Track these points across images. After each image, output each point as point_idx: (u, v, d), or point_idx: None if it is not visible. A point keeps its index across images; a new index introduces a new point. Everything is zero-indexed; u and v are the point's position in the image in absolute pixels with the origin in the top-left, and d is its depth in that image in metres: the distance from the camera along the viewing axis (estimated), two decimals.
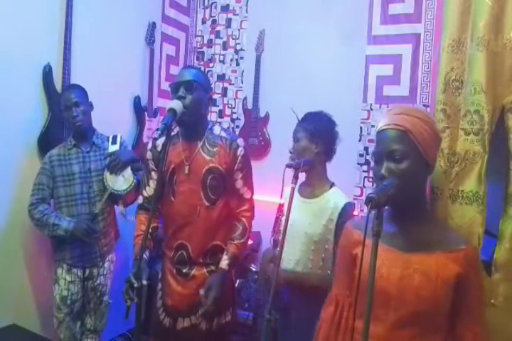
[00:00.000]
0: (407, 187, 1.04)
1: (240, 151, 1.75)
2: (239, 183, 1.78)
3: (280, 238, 1.55)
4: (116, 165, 2.11)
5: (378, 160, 1.11)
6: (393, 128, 1.09)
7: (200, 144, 1.74)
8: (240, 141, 1.78)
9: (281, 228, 1.75)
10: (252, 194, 1.85)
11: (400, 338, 1.02)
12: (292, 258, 1.76)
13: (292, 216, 1.61)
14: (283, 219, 1.70)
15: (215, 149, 1.73)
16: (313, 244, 1.72)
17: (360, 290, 1.01)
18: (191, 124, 1.70)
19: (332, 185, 1.81)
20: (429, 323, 1.04)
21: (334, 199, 1.77)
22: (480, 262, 1.11)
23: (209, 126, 1.78)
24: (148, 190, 1.83)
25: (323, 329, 1.22)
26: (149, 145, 1.84)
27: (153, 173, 1.82)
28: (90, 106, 2.20)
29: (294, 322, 1.69)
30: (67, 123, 2.19)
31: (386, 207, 1.16)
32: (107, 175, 2.13)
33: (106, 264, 2.24)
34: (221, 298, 1.66)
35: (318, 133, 1.76)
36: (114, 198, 2.21)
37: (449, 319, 1.07)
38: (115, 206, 2.29)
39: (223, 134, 1.78)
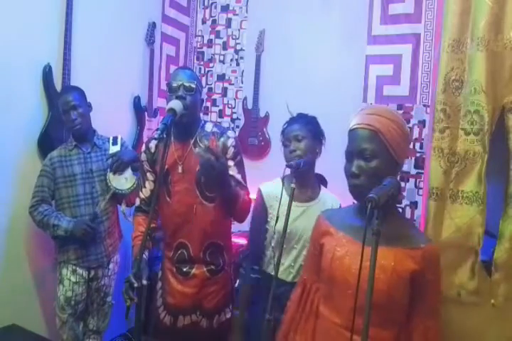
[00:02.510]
0: (375, 184, 1.06)
1: (231, 142, 1.74)
2: (233, 170, 1.74)
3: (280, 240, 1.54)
4: (119, 166, 2.12)
5: (349, 158, 1.16)
6: (364, 127, 1.14)
7: (192, 142, 1.74)
8: (231, 133, 1.78)
9: (276, 231, 1.76)
10: (246, 183, 1.81)
11: (357, 325, 1.05)
12: (295, 264, 1.76)
13: (288, 223, 1.60)
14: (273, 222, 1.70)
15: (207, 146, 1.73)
16: None
17: (328, 278, 1.14)
18: (186, 125, 1.70)
19: (319, 184, 1.85)
20: (385, 314, 1.09)
21: (330, 200, 1.81)
22: (439, 262, 1.15)
23: (201, 124, 1.78)
24: (145, 192, 1.84)
25: (291, 309, 1.30)
26: (143, 147, 1.84)
27: (148, 175, 1.83)
28: (89, 106, 2.19)
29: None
30: (66, 126, 2.19)
31: (354, 202, 1.23)
32: (110, 175, 2.14)
33: (111, 265, 2.24)
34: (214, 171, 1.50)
35: (317, 133, 1.80)
36: (118, 198, 2.22)
37: (406, 312, 1.12)
38: (118, 206, 2.29)
39: (214, 129, 1.78)
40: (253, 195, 1.88)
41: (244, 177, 1.80)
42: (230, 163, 1.74)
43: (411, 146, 2.60)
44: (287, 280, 1.76)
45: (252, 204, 1.86)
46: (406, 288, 1.09)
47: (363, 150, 1.12)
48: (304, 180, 1.79)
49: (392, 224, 1.14)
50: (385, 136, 1.11)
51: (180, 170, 1.73)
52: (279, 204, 1.59)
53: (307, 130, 1.76)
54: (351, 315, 0.99)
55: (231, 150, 1.74)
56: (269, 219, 1.83)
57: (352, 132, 1.17)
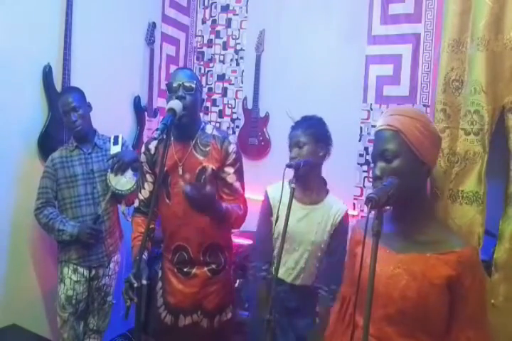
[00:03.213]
0: (401, 186, 1.04)
1: (232, 148, 1.73)
2: (231, 178, 1.74)
3: (279, 243, 1.54)
4: (120, 167, 2.12)
5: (374, 160, 1.14)
6: (385, 128, 1.12)
7: (192, 144, 1.73)
8: (232, 138, 1.77)
9: (276, 231, 1.76)
10: (244, 191, 1.81)
11: (387, 335, 1.02)
12: (296, 266, 1.76)
13: (290, 225, 1.60)
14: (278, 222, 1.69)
15: (207, 149, 1.72)
16: (320, 250, 1.73)
17: (360, 288, 1.03)
18: (186, 125, 1.70)
19: (327, 189, 1.83)
20: (418, 323, 1.04)
21: (335, 205, 1.79)
22: (480, 265, 1.09)
23: (201, 126, 1.78)
24: (144, 193, 1.83)
25: (331, 322, 1.28)
26: (143, 148, 1.84)
27: (147, 176, 1.82)
28: (89, 107, 2.19)
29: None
30: (67, 127, 2.20)
31: (388, 208, 1.17)
32: (111, 175, 2.14)
33: (111, 265, 2.25)
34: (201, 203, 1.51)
35: (320, 136, 1.77)
36: (118, 198, 2.22)
37: (444, 322, 1.06)
38: (118, 206, 2.30)
39: (215, 133, 1.77)
40: (253, 196, 1.88)
41: (242, 184, 1.79)
42: (230, 169, 1.74)
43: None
44: (287, 280, 1.77)
45: (258, 206, 1.87)
46: (441, 295, 1.04)
47: (384, 151, 1.09)
48: (308, 183, 1.78)
49: (424, 229, 1.12)
50: (406, 135, 1.08)
51: (180, 171, 1.72)
52: (279, 203, 1.59)
53: (309, 135, 1.74)
54: (382, 324, 0.96)
55: (232, 157, 1.73)
56: (272, 219, 1.82)
57: (376, 134, 1.15)
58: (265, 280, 1.78)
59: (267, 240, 1.82)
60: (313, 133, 1.75)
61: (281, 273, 1.73)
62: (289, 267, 1.77)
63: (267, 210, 1.85)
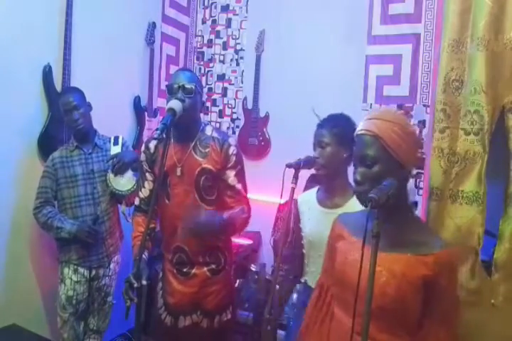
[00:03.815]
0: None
1: (232, 150, 1.74)
2: (233, 181, 1.75)
3: (281, 241, 1.53)
4: (120, 167, 2.13)
5: (354, 164, 1.16)
6: (364, 133, 1.13)
7: (191, 145, 1.73)
8: (232, 140, 1.77)
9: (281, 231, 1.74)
10: (246, 192, 1.82)
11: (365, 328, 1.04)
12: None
13: (312, 228, 1.58)
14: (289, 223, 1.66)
15: (206, 150, 1.73)
16: None
17: (340, 281, 1.14)
18: (186, 126, 1.70)
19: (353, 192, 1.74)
20: (396, 320, 1.08)
21: (358, 208, 1.68)
22: (457, 268, 1.13)
23: (201, 127, 1.78)
24: (144, 192, 1.83)
25: (308, 311, 1.33)
26: (143, 147, 1.84)
27: (147, 175, 1.82)
28: (89, 106, 2.19)
29: None
30: (68, 126, 2.19)
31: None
32: (111, 176, 2.15)
33: (112, 265, 2.25)
34: (201, 232, 1.62)
35: (346, 136, 1.63)
36: (118, 198, 2.22)
37: (420, 318, 1.09)
38: (119, 206, 2.30)
39: (215, 134, 1.76)
40: (253, 196, 1.87)
41: (245, 186, 1.79)
42: (232, 172, 1.74)
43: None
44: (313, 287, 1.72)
45: (258, 206, 1.85)
46: (417, 294, 1.07)
47: (364, 156, 1.11)
48: (330, 186, 1.71)
49: (406, 230, 1.14)
50: (385, 140, 1.09)
51: (178, 172, 1.72)
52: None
53: (332, 135, 1.66)
54: (362, 319, 0.98)
55: (232, 159, 1.73)
56: (300, 226, 1.76)
57: (356, 138, 1.16)
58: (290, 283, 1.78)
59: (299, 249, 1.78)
60: (338, 133, 1.66)
61: (311, 281, 1.68)
62: (316, 274, 1.63)
63: (296, 218, 1.80)
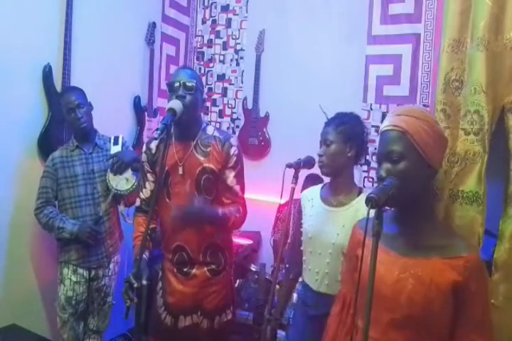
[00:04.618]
0: (406, 188, 1.03)
1: (234, 151, 1.74)
2: (232, 181, 1.75)
3: (281, 241, 1.54)
4: (119, 167, 2.12)
5: (379, 161, 1.11)
6: (391, 129, 1.10)
7: (193, 145, 1.73)
8: (233, 140, 1.77)
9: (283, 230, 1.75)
10: (243, 193, 1.82)
11: (393, 340, 1.01)
12: (320, 271, 1.64)
13: (314, 226, 1.57)
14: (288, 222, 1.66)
15: (208, 149, 1.73)
16: (342, 255, 1.58)
17: (360, 290, 1.02)
18: (187, 125, 1.70)
19: (360, 191, 1.68)
20: (424, 328, 1.03)
21: (363, 208, 1.61)
22: (485, 270, 1.07)
23: (202, 127, 1.78)
24: (145, 192, 1.83)
25: (331, 324, 1.26)
26: (144, 148, 1.84)
27: (148, 175, 1.82)
28: (90, 106, 2.19)
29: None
30: (71, 125, 2.18)
31: (390, 208, 1.16)
32: (110, 175, 2.14)
33: (111, 265, 2.25)
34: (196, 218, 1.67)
35: (352, 135, 1.63)
36: (117, 198, 2.22)
37: (448, 327, 1.05)
38: (118, 206, 2.30)
39: (216, 134, 1.76)
40: (253, 196, 1.88)
41: (242, 187, 1.80)
42: (231, 173, 1.74)
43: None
44: (313, 288, 1.67)
45: (258, 206, 1.86)
46: (447, 300, 1.03)
47: (390, 152, 1.07)
48: (334, 185, 1.69)
49: (429, 232, 1.10)
50: (412, 136, 1.06)
51: (180, 171, 1.72)
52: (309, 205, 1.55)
53: (338, 133, 1.62)
54: (388, 328, 0.95)
55: (233, 159, 1.73)
56: (302, 221, 1.75)
57: (381, 135, 1.13)
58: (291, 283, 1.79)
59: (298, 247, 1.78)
60: (344, 131, 1.62)
61: (308, 280, 1.67)
62: (314, 272, 1.67)
63: (299, 214, 1.79)
